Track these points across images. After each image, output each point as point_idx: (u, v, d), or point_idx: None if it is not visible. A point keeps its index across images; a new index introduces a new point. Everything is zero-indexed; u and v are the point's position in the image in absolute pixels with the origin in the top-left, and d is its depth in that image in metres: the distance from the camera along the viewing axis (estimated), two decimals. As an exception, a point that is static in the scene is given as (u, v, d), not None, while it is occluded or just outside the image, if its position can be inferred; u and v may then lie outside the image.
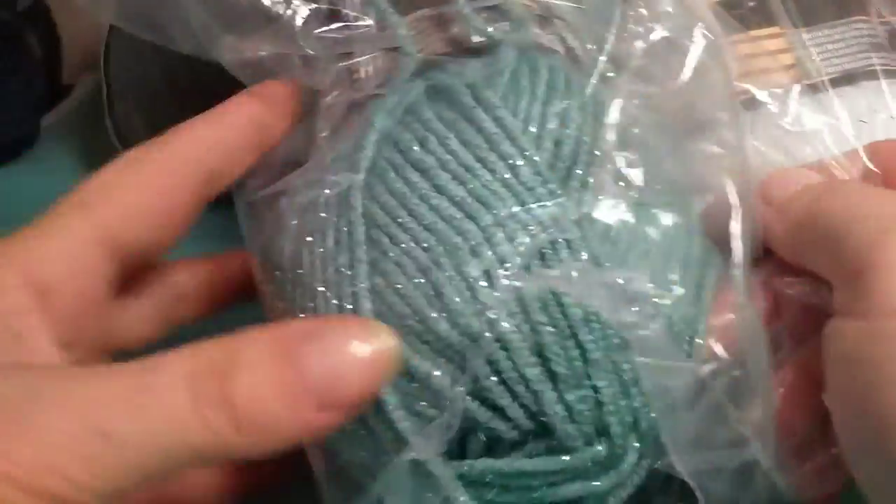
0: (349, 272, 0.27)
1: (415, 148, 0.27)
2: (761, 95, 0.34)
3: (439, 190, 0.27)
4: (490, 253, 0.26)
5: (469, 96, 0.28)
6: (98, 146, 0.52)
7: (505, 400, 0.26)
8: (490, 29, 0.30)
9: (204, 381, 0.22)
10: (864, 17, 0.37)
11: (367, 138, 0.28)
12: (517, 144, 0.27)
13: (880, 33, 0.37)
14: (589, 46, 0.31)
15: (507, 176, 0.27)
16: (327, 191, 0.28)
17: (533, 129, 0.27)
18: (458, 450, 0.27)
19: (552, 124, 0.28)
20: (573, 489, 0.26)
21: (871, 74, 0.35)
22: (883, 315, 0.24)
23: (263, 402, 0.23)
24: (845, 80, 0.35)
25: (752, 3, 0.36)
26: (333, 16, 0.31)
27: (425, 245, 0.26)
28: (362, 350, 0.23)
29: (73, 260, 0.28)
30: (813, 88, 0.35)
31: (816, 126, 0.33)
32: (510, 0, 0.31)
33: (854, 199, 0.28)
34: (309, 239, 0.28)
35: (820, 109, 0.34)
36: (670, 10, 0.31)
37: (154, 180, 0.30)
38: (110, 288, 0.30)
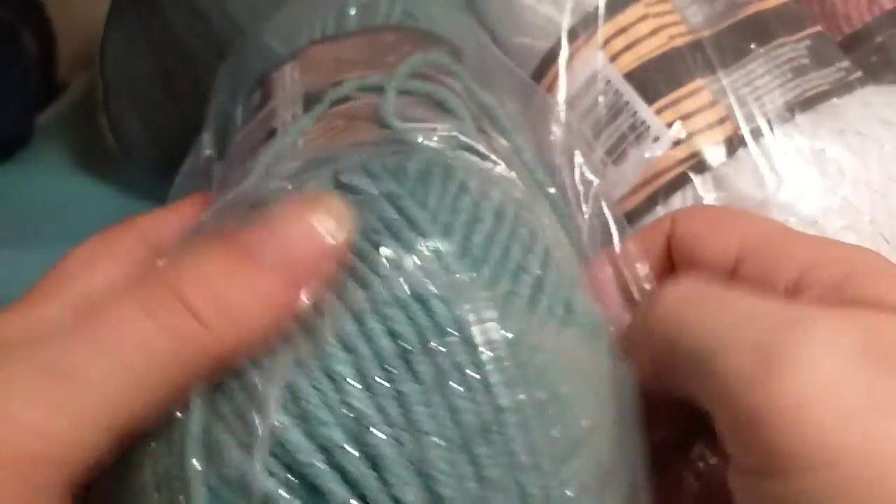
0: None
1: None
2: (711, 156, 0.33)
3: None
4: None
5: (376, 193, 0.24)
6: (93, 144, 0.52)
7: None
8: (419, 139, 0.26)
9: (155, 294, 0.21)
10: (781, 41, 0.35)
11: None
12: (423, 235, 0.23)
13: (802, 51, 0.35)
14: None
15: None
16: None
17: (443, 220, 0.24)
18: None
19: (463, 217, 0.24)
20: None
21: (808, 103, 0.33)
22: (796, 471, 0.20)
23: (223, 294, 0.21)
24: (782, 116, 0.33)
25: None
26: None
27: None
28: (313, 231, 0.22)
29: None
30: (755, 133, 0.33)
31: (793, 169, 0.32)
32: (441, 91, 0.28)
33: (710, 309, 0.23)
34: None
35: (766, 157, 0.33)
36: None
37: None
38: None
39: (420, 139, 0.26)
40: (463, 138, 0.27)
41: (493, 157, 0.27)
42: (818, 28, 0.36)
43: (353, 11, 0.33)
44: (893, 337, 0.21)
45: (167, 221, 0.29)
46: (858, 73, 0.34)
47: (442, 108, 0.28)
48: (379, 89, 0.28)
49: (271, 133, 0.29)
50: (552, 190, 0.29)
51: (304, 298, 0.22)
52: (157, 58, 0.48)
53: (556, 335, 0.23)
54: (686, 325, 0.23)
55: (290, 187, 0.25)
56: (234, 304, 0.21)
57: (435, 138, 0.26)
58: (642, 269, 0.27)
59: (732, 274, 0.26)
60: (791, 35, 0.35)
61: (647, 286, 0.27)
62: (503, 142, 0.29)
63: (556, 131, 0.30)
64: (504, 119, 0.29)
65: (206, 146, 0.33)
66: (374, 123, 0.27)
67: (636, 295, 0.27)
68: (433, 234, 0.23)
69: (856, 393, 0.20)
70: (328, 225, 0.22)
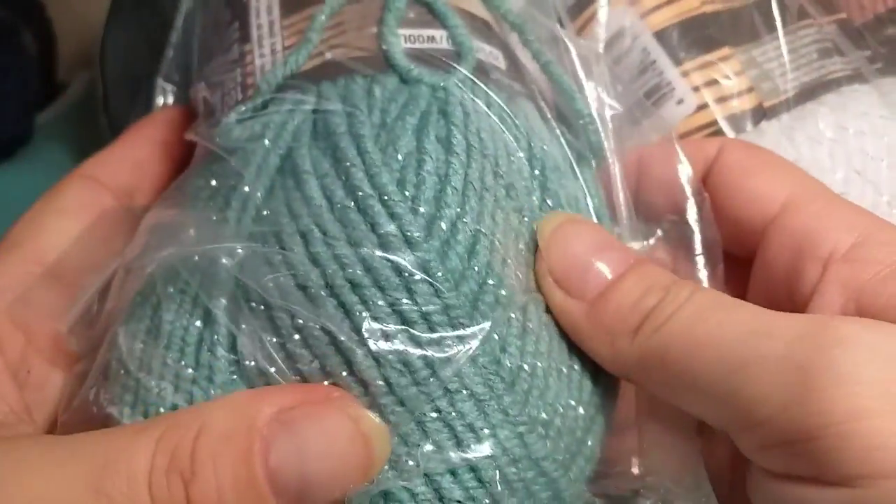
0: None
1: (296, 248, 0.23)
2: (726, 128, 0.32)
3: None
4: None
5: (362, 173, 0.24)
6: (93, 145, 0.52)
7: None
8: (411, 66, 0.26)
9: (166, 477, 0.21)
10: (808, 22, 0.34)
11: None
12: (413, 249, 0.23)
13: (829, 34, 0.34)
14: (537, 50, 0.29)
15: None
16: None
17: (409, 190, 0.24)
18: None
19: (429, 187, 0.24)
20: None
21: (829, 85, 0.33)
22: (861, 479, 0.20)
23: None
24: (805, 95, 0.33)
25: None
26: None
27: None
28: (342, 444, 0.21)
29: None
30: (774, 110, 0.33)
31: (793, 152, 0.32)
32: (448, 7, 0.27)
33: (720, 326, 0.22)
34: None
35: (787, 134, 0.32)
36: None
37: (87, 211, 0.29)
38: None
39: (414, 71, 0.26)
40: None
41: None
42: (843, 15, 0.35)
43: None
44: None
45: (116, 158, 0.30)
46: (879, 64, 0.34)
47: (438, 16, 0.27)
48: None
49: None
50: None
51: None
52: (157, 57, 0.49)
53: None
54: (701, 346, 0.22)
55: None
56: None
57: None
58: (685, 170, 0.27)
59: (770, 223, 0.25)
60: (820, 17, 0.34)
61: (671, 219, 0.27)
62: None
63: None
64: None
65: (164, 87, 0.34)
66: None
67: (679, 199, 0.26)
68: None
69: None
70: (362, 450, 0.22)
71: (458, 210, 0.24)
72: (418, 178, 0.24)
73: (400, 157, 0.24)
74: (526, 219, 0.26)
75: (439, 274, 0.23)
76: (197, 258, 0.24)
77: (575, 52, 0.29)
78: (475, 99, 0.26)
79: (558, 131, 0.28)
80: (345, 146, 0.24)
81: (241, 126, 0.26)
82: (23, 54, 0.54)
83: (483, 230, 0.24)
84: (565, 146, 0.28)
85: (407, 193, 0.24)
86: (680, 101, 0.33)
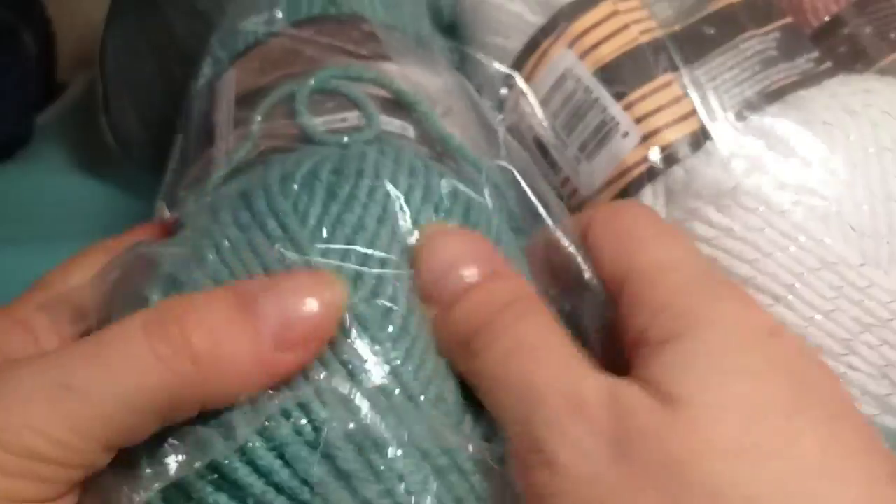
0: None
1: (210, 256, 0.26)
2: (655, 157, 0.33)
3: None
4: None
5: (263, 200, 0.27)
6: (93, 144, 0.53)
7: None
8: (317, 124, 0.29)
9: (160, 325, 0.23)
10: (750, 33, 0.35)
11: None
12: (302, 253, 0.26)
13: (771, 43, 0.35)
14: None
15: None
16: None
17: (323, 238, 0.26)
18: None
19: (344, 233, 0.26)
20: None
21: (774, 95, 0.33)
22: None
23: (221, 340, 0.23)
24: (751, 107, 0.33)
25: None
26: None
27: None
28: (312, 304, 0.24)
29: None
30: (721, 126, 0.33)
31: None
32: (352, 87, 0.31)
33: (520, 371, 0.23)
34: None
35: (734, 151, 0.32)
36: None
37: None
38: None
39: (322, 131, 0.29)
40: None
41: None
42: (788, 20, 0.35)
43: (279, 14, 0.35)
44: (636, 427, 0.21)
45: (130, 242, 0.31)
46: (828, 64, 0.34)
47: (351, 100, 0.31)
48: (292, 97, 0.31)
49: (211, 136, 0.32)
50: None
51: (292, 364, 0.24)
52: (157, 58, 0.49)
53: None
54: (500, 387, 0.24)
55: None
56: (228, 353, 0.23)
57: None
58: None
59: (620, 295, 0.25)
60: (760, 27, 0.35)
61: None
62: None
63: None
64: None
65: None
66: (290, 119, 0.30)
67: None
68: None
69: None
70: (328, 302, 0.24)
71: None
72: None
73: (295, 186, 0.27)
74: None
75: None
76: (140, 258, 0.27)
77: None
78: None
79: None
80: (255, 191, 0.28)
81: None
82: (23, 54, 0.54)
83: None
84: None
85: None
86: (625, 135, 0.34)
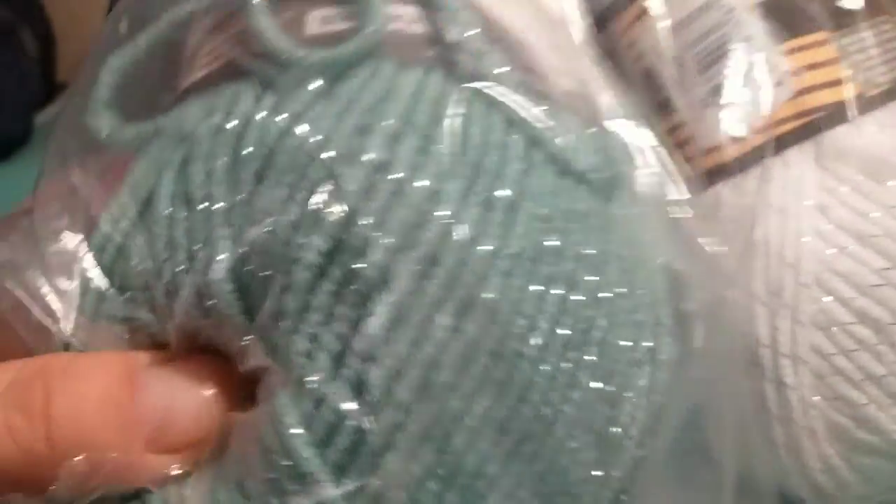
0: None
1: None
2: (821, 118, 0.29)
3: None
4: None
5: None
6: (92, 144, 0.52)
7: None
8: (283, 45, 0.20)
9: (24, 386, 0.19)
10: (886, 16, 0.31)
11: None
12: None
13: None
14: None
15: None
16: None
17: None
18: None
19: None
20: None
21: None
22: None
23: (86, 419, 0.19)
24: (890, 94, 0.30)
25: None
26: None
27: None
28: (197, 411, 0.19)
29: None
30: (870, 103, 0.29)
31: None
32: None
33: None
34: None
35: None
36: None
37: None
38: None
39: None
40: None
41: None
42: None
43: None
44: None
45: None
46: None
47: None
48: None
49: None
50: None
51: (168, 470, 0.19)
52: (156, 58, 0.49)
53: None
54: None
55: None
56: (89, 441, 0.19)
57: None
58: None
59: None
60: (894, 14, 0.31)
61: None
62: None
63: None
64: None
65: None
66: None
67: None
68: None
69: None
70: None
71: None
72: None
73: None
74: None
75: None
76: None
77: None
78: None
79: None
80: None
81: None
82: (23, 54, 0.54)
83: None
84: None
85: None
86: (779, 84, 0.30)
